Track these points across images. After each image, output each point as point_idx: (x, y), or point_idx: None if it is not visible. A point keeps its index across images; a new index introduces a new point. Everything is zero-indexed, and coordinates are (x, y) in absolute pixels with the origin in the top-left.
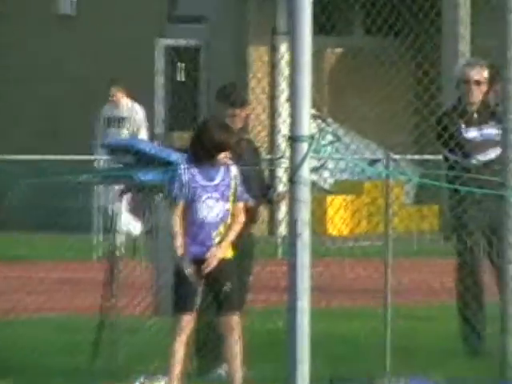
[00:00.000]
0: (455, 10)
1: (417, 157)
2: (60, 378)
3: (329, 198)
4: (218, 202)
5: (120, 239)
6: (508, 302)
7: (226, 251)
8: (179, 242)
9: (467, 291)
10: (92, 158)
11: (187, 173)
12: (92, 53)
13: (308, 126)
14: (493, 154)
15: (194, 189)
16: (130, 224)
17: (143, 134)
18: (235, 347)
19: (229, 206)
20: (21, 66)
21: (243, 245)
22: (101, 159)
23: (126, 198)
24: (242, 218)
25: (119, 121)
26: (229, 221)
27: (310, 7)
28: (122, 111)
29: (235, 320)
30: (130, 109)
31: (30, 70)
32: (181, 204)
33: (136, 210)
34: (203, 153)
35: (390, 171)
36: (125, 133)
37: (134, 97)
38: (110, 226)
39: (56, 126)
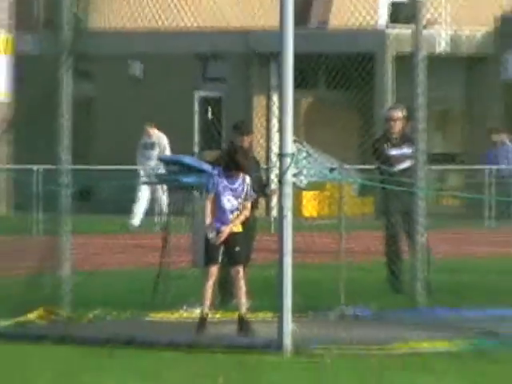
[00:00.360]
0: (384, 74)
1: (360, 167)
2: (133, 307)
3: (303, 193)
4: (235, 198)
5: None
6: (415, 255)
7: (236, 227)
8: (209, 219)
9: (391, 252)
10: (135, 167)
11: (217, 177)
12: (151, 101)
13: (290, 147)
14: (406, 164)
15: (220, 188)
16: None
17: (167, 153)
18: (240, 285)
19: (241, 201)
20: (102, 109)
21: (250, 223)
22: (141, 168)
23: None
24: (248, 209)
25: (152, 145)
26: (240, 210)
27: (292, 71)
28: (152, 139)
29: (240, 269)
30: (158, 137)
31: (108, 111)
32: (212, 196)
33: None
34: (229, 167)
35: (342, 176)
36: (155, 153)
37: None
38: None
39: (121, 148)
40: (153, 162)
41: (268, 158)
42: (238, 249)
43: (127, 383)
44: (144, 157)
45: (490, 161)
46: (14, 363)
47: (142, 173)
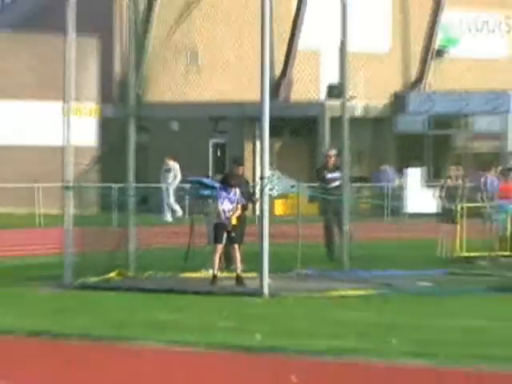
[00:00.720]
0: (323, 129)
1: (309, 184)
2: (172, 270)
3: (275, 200)
4: (231, 203)
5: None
6: (342, 238)
7: (233, 221)
8: (221, 215)
9: (327, 236)
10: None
11: (221, 191)
12: (184, 144)
13: (267, 173)
14: (337, 183)
15: (223, 197)
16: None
17: (178, 177)
18: (236, 256)
19: (234, 205)
20: (153, 150)
21: (242, 218)
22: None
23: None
24: (239, 210)
25: (169, 170)
26: (234, 210)
27: (268, 127)
28: (169, 166)
29: (236, 247)
30: (173, 165)
31: (157, 151)
32: (219, 201)
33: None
34: (226, 184)
35: (298, 190)
36: (171, 176)
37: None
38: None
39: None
40: (169, 180)
41: (254, 179)
42: (234, 234)
43: (168, 315)
44: (164, 178)
45: (373, 179)
46: (100, 303)
47: (163, 188)
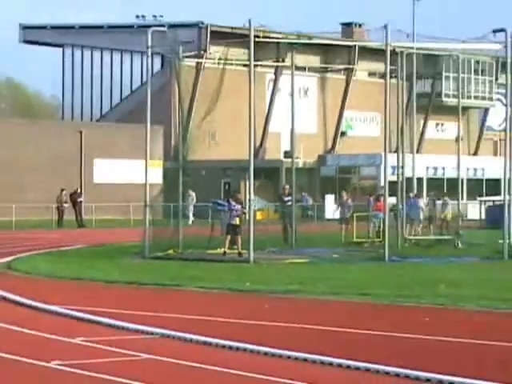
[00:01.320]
0: (282, 175)
1: (273, 204)
2: (201, 249)
3: (256, 211)
4: (235, 212)
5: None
6: (292, 231)
7: (237, 222)
8: (230, 219)
9: (283, 230)
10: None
11: (229, 206)
12: (208, 183)
13: (252, 197)
14: (289, 203)
15: (230, 209)
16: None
17: (195, 200)
18: (238, 241)
19: (236, 213)
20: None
21: (241, 221)
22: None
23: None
24: (240, 216)
25: (189, 195)
26: (236, 216)
27: (252, 175)
28: (190, 194)
29: (239, 237)
30: (192, 194)
31: (194, 188)
32: (229, 212)
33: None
34: (230, 202)
35: (268, 206)
36: (191, 199)
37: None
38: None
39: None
40: (189, 201)
41: (245, 201)
42: (238, 229)
43: (199, 273)
44: (187, 199)
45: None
46: (163, 266)
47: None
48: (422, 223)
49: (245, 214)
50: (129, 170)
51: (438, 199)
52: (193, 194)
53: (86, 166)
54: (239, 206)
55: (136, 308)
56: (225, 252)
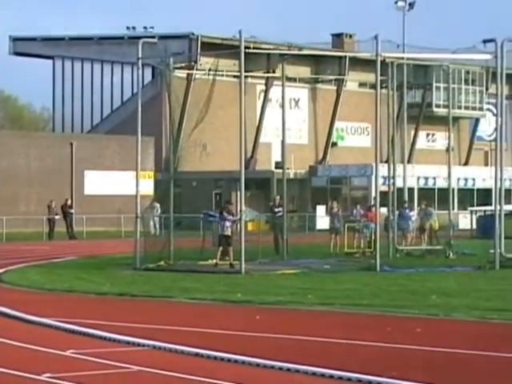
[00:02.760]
0: (273, 186)
1: (266, 214)
2: (193, 259)
3: (248, 222)
4: (227, 223)
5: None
6: (283, 242)
7: (228, 233)
8: (221, 230)
9: (275, 240)
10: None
11: (220, 217)
12: (200, 194)
13: (243, 208)
14: (280, 214)
15: (222, 220)
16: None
17: (159, 211)
18: (230, 252)
19: (229, 224)
20: (183, 197)
21: (232, 232)
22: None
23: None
24: (232, 228)
25: (154, 206)
26: (228, 228)
27: (243, 185)
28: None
29: (230, 248)
30: (157, 204)
31: (184, 198)
32: (220, 223)
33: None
34: (223, 213)
35: (260, 217)
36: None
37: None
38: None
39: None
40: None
41: (237, 211)
42: (230, 240)
43: (191, 284)
44: (151, 210)
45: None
46: (155, 278)
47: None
48: (413, 233)
49: (236, 224)
50: (120, 182)
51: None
52: (157, 205)
53: (77, 178)
54: (230, 217)
55: (127, 320)
56: (216, 263)
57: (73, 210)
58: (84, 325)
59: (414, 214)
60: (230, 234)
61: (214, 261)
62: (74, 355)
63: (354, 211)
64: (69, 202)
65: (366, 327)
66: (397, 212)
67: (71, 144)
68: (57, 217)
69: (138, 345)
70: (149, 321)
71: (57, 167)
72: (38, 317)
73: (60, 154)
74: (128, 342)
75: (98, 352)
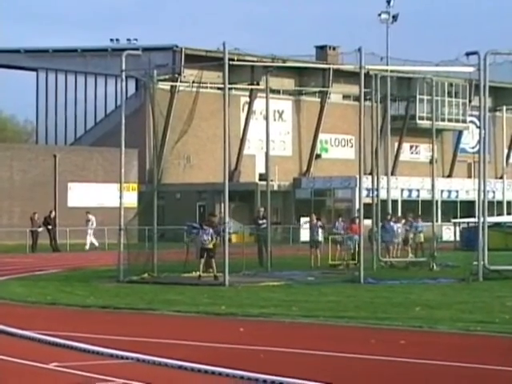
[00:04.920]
0: (257, 198)
1: (249, 226)
2: (177, 272)
3: (232, 234)
4: (207, 236)
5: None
6: (267, 254)
7: (210, 246)
8: (202, 243)
9: (259, 252)
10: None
11: (201, 230)
12: (183, 207)
13: (227, 220)
14: (264, 225)
15: (203, 232)
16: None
17: (94, 224)
18: (212, 265)
19: (209, 237)
20: (166, 209)
21: (215, 244)
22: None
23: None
24: (213, 240)
25: (89, 219)
26: (210, 240)
27: (227, 197)
28: (89, 217)
29: (213, 260)
30: (91, 217)
31: (167, 209)
32: (201, 235)
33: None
34: (203, 225)
35: (241, 228)
36: (90, 223)
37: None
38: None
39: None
40: (89, 225)
41: (220, 223)
42: (211, 253)
43: (175, 296)
44: (87, 225)
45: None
46: (138, 290)
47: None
48: (398, 246)
49: (220, 236)
50: (103, 194)
51: (405, 222)
52: (92, 217)
53: (60, 190)
54: (211, 230)
55: (111, 332)
56: (200, 276)
57: (50, 227)
58: (67, 337)
59: (400, 226)
60: (210, 246)
61: (198, 273)
62: (58, 368)
63: (336, 224)
64: (53, 214)
65: (350, 339)
66: (380, 224)
67: (54, 156)
68: (40, 229)
69: (122, 357)
70: (132, 333)
71: (40, 179)
72: (21, 330)
73: (43, 166)
74: (112, 355)
75: (81, 365)
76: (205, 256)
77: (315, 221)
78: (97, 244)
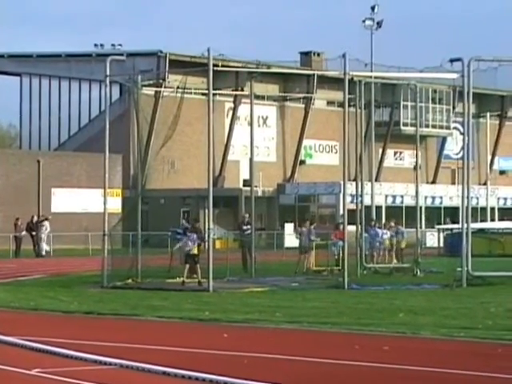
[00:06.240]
0: (241, 204)
1: (234, 231)
2: (161, 277)
3: (216, 240)
4: (192, 242)
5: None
6: (251, 259)
7: (195, 251)
8: (186, 248)
9: (243, 258)
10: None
11: (185, 236)
12: (167, 211)
13: (211, 226)
14: (248, 231)
15: (187, 238)
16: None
17: (49, 228)
18: (197, 270)
19: (193, 243)
20: (150, 214)
21: (199, 250)
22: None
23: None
24: (196, 246)
25: (43, 225)
26: (194, 246)
27: (211, 203)
28: (44, 223)
29: (197, 265)
30: (46, 223)
31: (151, 214)
32: (185, 241)
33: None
34: (187, 232)
35: (225, 234)
36: (44, 228)
37: None
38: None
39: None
40: (43, 229)
41: (204, 229)
42: (196, 258)
43: (158, 302)
44: (40, 228)
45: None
46: (122, 296)
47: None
48: (382, 252)
49: (204, 242)
50: (87, 199)
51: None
52: (47, 223)
53: (44, 195)
54: (194, 236)
55: (94, 338)
56: (183, 281)
57: (33, 232)
58: (50, 343)
59: (386, 232)
60: (195, 252)
61: (182, 279)
62: (41, 374)
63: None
64: (35, 219)
65: (333, 345)
66: (365, 230)
67: (38, 161)
68: (23, 233)
69: (105, 363)
70: (116, 339)
71: (24, 185)
72: (3, 335)
73: (27, 171)
74: (95, 361)
75: (64, 371)
76: (189, 261)
77: (303, 228)
78: (48, 249)
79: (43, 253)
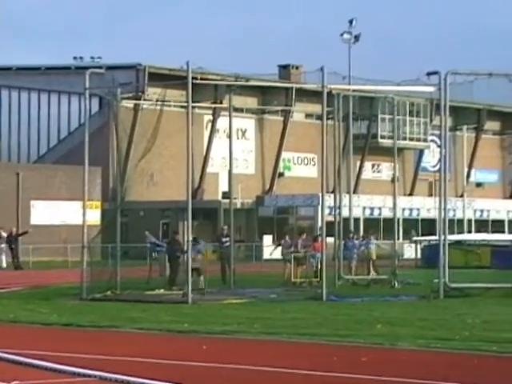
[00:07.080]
0: (220, 216)
1: (213, 243)
2: (140, 290)
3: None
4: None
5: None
6: (230, 271)
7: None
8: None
9: (222, 270)
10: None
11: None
12: (148, 223)
13: (190, 238)
14: (228, 243)
15: (168, 250)
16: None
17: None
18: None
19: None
20: (130, 226)
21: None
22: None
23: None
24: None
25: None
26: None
27: (190, 214)
28: (2, 235)
29: (201, 277)
30: (3, 235)
31: (131, 227)
32: (164, 253)
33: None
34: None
35: (206, 247)
36: (2, 238)
37: None
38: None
39: (134, 240)
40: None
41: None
42: (200, 270)
43: (137, 314)
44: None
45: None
46: (101, 308)
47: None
48: (358, 263)
49: (183, 253)
50: (66, 212)
51: (363, 239)
52: (4, 234)
53: (23, 208)
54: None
55: (73, 350)
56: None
57: (13, 246)
58: (29, 356)
59: (363, 244)
60: (198, 265)
61: (162, 291)
62: None
63: (299, 241)
64: (14, 231)
65: (312, 356)
66: (343, 242)
67: (17, 174)
68: (2, 246)
69: (84, 375)
70: (95, 351)
71: (2, 197)
72: None
73: (6, 183)
74: (74, 373)
75: (43, 383)
76: (193, 275)
77: (285, 240)
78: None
79: (4, 265)
